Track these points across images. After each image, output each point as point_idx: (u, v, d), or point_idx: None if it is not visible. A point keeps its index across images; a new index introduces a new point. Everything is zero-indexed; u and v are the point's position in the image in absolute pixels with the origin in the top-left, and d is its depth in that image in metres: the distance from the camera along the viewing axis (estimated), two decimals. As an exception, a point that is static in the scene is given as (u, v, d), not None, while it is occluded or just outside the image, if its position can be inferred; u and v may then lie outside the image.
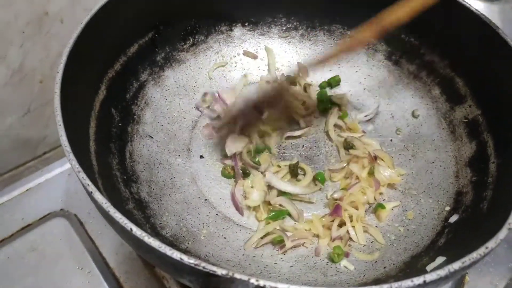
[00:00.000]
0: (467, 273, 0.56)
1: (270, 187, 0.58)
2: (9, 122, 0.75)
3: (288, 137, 0.65)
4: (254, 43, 0.73)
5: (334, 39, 0.72)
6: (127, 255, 0.59)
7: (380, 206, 0.55)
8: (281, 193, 0.57)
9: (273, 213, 0.55)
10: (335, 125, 0.66)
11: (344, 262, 0.50)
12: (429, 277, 0.32)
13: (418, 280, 0.32)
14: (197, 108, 0.68)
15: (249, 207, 0.57)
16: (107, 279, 0.56)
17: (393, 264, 0.49)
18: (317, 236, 0.54)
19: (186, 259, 0.34)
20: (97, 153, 0.50)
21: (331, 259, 0.51)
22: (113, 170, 0.53)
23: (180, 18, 0.67)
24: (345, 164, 0.60)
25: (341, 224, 0.54)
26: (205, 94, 0.68)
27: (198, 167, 0.61)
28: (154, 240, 0.35)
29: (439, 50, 0.63)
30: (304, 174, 0.60)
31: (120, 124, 0.58)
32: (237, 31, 0.72)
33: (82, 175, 0.40)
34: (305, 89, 0.70)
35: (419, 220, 0.54)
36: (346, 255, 0.51)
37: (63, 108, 0.45)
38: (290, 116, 0.67)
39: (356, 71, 0.71)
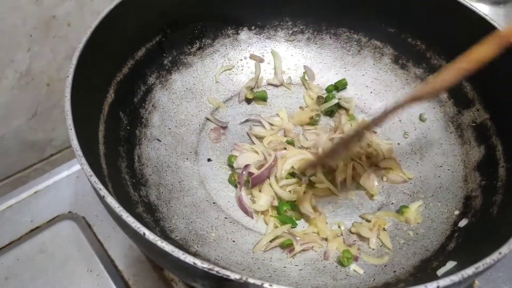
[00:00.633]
0: (475, 277, 0.56)
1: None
2: (16, 124, 0.76)
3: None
4: (261, 47, 0.73)
5: (340, 42, 0.72)
6: (136, 257, 0.59)
7: (404, 207, 0.55)
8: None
9: (280, 217, 0.56)
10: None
11: (353, 266, 0.51)
12: (442, 283, 0.32)
13: (432, 285, 0.32)
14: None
15: (257, 211, 0.57)
16: (116, 282, 0.57)
17: (403, 268, 0.49)
18: (326, 239, 0.54)
19: (199, 263, 0.34)
20: (106, 157, 0.50)
21: (341, 263, 0.51)
22: (122, 173, 0.53)
23: (187, 22, 0.67)
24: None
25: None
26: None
27: (206, 170, 0.62)
28: (167, 245, 0.35)
29: (446, 54, 0.63)
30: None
31: (128, 127, 0.58)
32: (244, 34, 0.72)
33: (94, 179, 0.40)
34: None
35: (428, 224, 0.54)
36: (356, 259, 0.51)
37: (74, 112, 0.45)
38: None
39: (363, 75, 0.71)
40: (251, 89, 0.70)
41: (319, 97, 0.70)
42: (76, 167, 0.70)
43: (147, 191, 0.54)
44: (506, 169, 0.51)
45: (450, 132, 0.62)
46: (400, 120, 0.67)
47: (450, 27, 0.61)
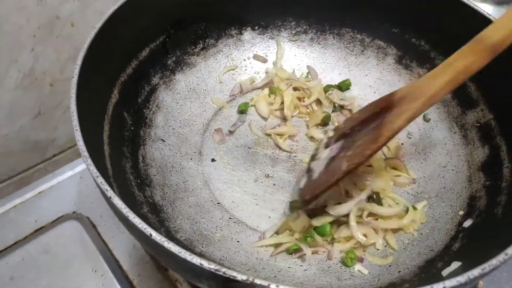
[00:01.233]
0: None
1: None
2: (19, 124, 0.76)
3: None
4: (264, 47, 0.74)
5: (343, 42, 0.72)
6: (140, 258, 0.59)
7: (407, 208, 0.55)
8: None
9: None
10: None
11: (358, 266, 0.51)
12: (448, 284, 0.32)
13: (438, 286, 0.32)
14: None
15: None
16: (120, 282, 0.57)
17: (408, 268, 0.49)
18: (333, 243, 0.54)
19: (206, 264, 0.34)
20: (111, 157, 0.50)
21: (344, 263, 0.51)
22: (126, 173, 0.53)
23: (191, 22, 0.67)
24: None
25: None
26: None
27: (210, 170, 0.62)
28: (174, 246, 0.35)
29: (450, 54, 0.63)
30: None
31: (132, 127, 0.58)
32: (247, 34, 0.72)
33: (101, 180, 0.40)
34: None
35: (432, 224, 0.54)
36: (361, 260, 0.51)
37: (79, 112, 0.45)
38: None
39: (366, 75, 0.71)
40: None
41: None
42: (79, 168, 0.70)
43: (152, 192, 0.54)
44: (510, 170, 0.51)
45: (454, 132, 0.62)
46: (403, 120, 0.67)
47: (454, 27, 0.61)
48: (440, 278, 0.41)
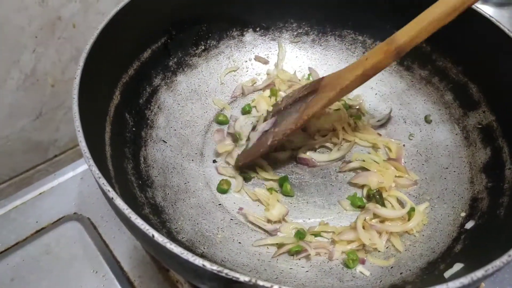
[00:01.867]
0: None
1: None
2: (21, 125, 0.76)
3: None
4: (265, 48, 0.74)
5: (345, 44, 0.72)
6: (141, 259, 0.59)
7: (411, 210, 0.55)
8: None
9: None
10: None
11: (359, 268, 0.50)
12: (452, 285, 0.32)
13: (441, 287, 0.32)
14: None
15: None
16: (121, 283, 0.57)
17: (409, 270, 0.49)
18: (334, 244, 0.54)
19: (208, 265, 0.34)
20: (112, 158, 0.50)
21: (346, 265, 0.51)
22: (128, 175, 0.53)
23: (192, 23, 0.67)
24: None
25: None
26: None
27: (211, 171, 0.62)
28: (176, 247, 0.35)
29: (451, 55, 0.63)
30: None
31: (134, 128, 0.58)
32: (249, 36, 0.72)
33: (103, 181, 0.40)
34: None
35: (434, 226, 0.54)
36: (362, 262, 0.51)
37: (81, 113, 0.45)
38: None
39: (368, 76, 0.71)
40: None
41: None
42: (80, 168, 0.70)
43: (153, 193, 0.54)
44: (512, 171, 0.51)
45: (456, 134, 0.62)
46: (405, 122, 0.67)
47: (455, 28, 0.61)
48: (443, 280, 0.41)
